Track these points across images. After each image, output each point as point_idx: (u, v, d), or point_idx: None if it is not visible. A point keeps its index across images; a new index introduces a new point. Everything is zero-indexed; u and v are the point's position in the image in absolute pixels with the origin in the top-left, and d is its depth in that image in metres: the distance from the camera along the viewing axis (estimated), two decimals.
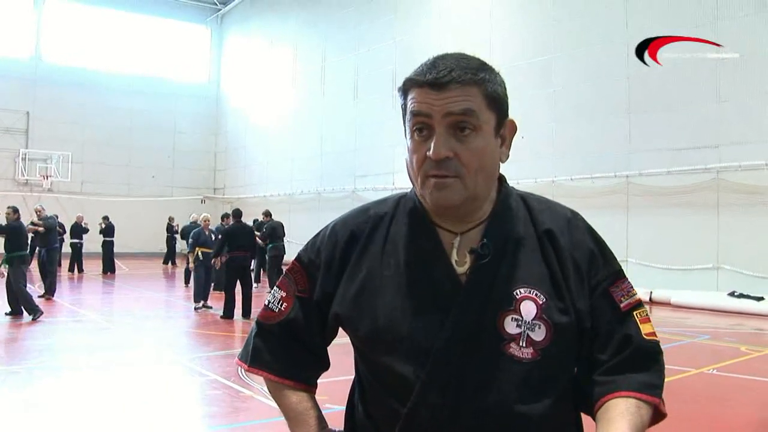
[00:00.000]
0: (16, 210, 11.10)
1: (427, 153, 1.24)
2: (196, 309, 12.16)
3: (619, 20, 15.49)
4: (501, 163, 1.34)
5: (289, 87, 26.97)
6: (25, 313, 10.57)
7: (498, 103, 1.29)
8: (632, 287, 1.36)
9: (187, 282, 16.72)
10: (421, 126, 1.26)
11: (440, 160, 1.24)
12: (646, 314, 1.36)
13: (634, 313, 1.33)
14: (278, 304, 1.45)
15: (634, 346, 1.31)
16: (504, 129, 1.32)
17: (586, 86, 16.17)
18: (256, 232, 15.10)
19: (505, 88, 1.33)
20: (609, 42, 15.64)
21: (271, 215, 16.39)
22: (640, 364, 1.31)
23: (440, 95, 1.24)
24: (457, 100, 1.23)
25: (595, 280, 1.33)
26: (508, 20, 18.14)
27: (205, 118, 31.78)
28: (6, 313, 10.71)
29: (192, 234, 12.74)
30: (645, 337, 1.32)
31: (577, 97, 16.32)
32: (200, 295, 12.32)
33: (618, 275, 1.35)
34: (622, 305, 1.32)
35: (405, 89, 1.30)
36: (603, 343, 1.32)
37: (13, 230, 10.75)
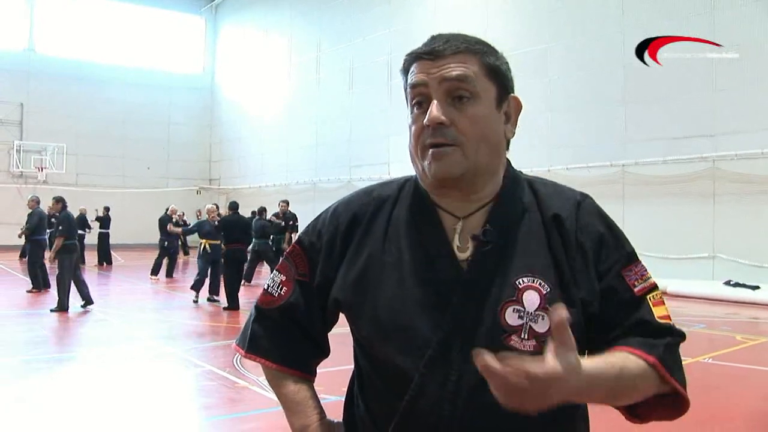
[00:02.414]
0: (60, 200, 11.35)
1: (424, 122, 1.22)
2: (195, 301, 11.90)
3: (615, 10, 15.47)
4: (507, 140, 1.32)
5: (284, 77, 26.88)
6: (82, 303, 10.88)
7: (498, 75, 1.27)
8: (646, 270, 1.29)
9: (153, 272, 16.50)
10: (419, 98, 1.25)
11: (437, 127, 1.21)
12: (660, 297, 1.29)
13: (648, 296, 1.27)
14: (278, 288, 1.40)
15: (644, 328, 1.24)
16: (508, 105, 1.30)
17: (581, 76, 16.16)
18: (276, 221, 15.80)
19: (508, 67, 1.31)
20: (605, 31, 15.63)
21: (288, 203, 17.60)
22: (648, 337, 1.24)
23: (436, 63, 1.23)
24: (452, 67, 1.23)
25: (605, 265, 1.26)
26: (504, 10, 18.09)
27: (200, 110, 31.66)
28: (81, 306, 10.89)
29: (195, 225, 12.77)
30: (658, 319, 1.25)
31: (572, 87, 16.32)
32: (199, 286, 12.03)
33: (630, 258, 1.29)
34: (635, 290, 1.26)
35: (406, 67, 1.29)
36: (613, 327, 1.25)
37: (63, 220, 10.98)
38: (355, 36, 23.24)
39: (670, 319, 1.28)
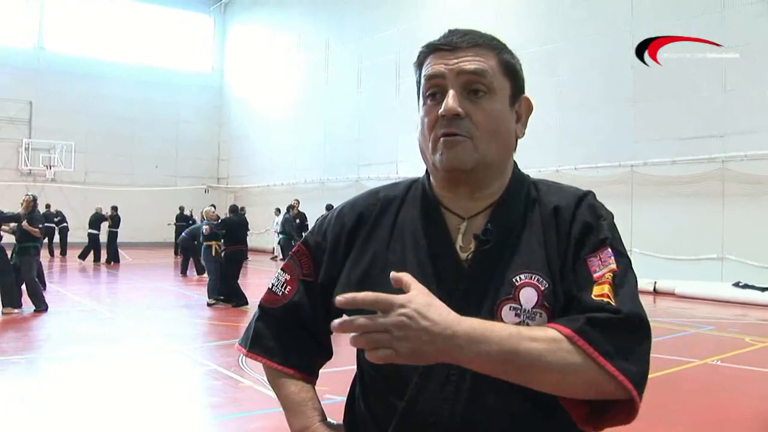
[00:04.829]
0: (34, 198, 11.07)
1: (439, 112, 1.22)
2: (209, 305, 11.58)
3: (625, 8, 15.41)
4: (518, 139, 1.32)
5: (293, 76, 26.89)
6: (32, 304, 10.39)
7: (513, 72, 1.29)
8: (611, 257, 1.20)
9: (183, 272, 16.80)
10: (435, 89, 1.26)
11: (452, 118, 1.22)
12: (608, 278, 1.17)
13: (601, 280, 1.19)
14: (282, 287, 1.40)
15: (577, 309, 1.16)
16: (519, 105, 1.31)
17: (590, 75, 16.10)
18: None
19: (521, 67, 1.33)
20: (614, 30, 15.56)
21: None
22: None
23: (454, 55, 1.24)
24: (470, 60, 1.24)
25: (583, 251, 1.22)
26: (513, 8, 18.05)
27: (208, 108, 31.71)
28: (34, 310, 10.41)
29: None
30: (593, 297, 1.15)
31: (581, 86, 16.26)
32: (215, 289, 11.75)
33: (601, 243, 1.22)
34: (595, 275, 1.18)
35: (421, 60, 1.30)
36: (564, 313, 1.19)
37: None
38: (363, 35, 23.23)
39: (610, 298, 1.15)
